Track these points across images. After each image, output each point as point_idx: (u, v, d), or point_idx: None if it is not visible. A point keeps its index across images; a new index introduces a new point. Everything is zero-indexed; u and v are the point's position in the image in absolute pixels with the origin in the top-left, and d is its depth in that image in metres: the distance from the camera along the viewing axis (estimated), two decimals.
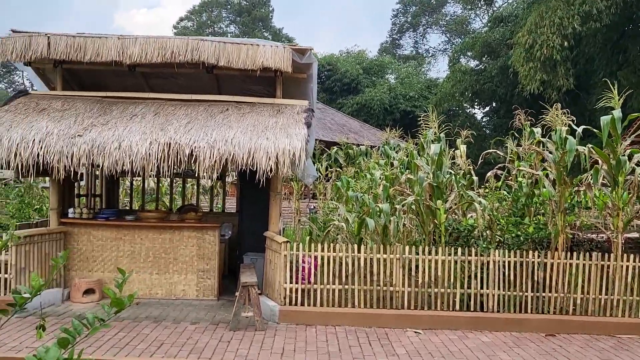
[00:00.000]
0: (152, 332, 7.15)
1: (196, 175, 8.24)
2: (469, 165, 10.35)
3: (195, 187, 12.75)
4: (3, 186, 21.94)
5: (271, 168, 7.43)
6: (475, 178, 9.61)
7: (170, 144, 7.51)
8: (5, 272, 8.02)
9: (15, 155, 7.42)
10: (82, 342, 6.25)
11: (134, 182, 15.71)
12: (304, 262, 8.17)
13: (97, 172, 10.65)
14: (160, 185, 13.22)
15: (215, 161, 7.41)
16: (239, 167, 7.50)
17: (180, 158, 7.50)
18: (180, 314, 8.07)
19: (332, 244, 8.04)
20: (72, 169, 7.49)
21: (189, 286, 8.94)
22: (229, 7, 64.15)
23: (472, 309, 7.84)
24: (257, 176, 7.42)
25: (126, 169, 7.44)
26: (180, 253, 8.92)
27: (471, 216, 9.33)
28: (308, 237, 10.17)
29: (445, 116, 17.12)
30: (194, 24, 61.74)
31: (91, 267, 8.86)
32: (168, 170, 7.56)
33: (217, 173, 7.53)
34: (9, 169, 7.60)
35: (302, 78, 8.96)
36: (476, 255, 7.90)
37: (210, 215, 11.88)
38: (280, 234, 8.69)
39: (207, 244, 8.95)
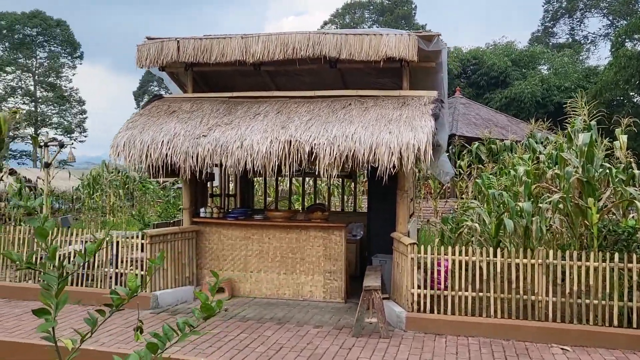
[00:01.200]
0: (274, 334, 6.98)
1: (316, 173, 7.94)
2: (630, 158, 8.97)
3: (328, 186, 12.58)
4: (162, 189, 23.71)
5: (394, 164, 6.91)
6: (637, 172, 8.27)
7: (290, 141, 7.30)
8: (142, 269, 8.36)
9: (147, 156, 7.68)
10: (203, 342, 6.13)
11: (268, 182, 16.00)
12: (437, 265, 7.55)
13: (230, 172, 10.85)
14: (298, 184, 13.29)
15: (335, 158, 7.06)
16: (360, 163, 7.08)
17: (300, 156, 7.26)
18: (305, 316, 7.84)
19: (464, 247, 7.31)
20: (197, 169, 7.58)
21: (315, 287, 8.71)
22: (371, 7, 64.23)
23: (634, 325, 6.67)
24: (378, 173, 6.95)
25: (248, 168, 7.37)
26: (307, 253, 8.72)
27: (633, 216, 8.04)
28: (437, 239, 9.47)
29: (607, 107, 15.28)
30: (338, 27, 62.69)
31: (221, 265, 8.98)
32: (289, 169, 7.36)
33: (337, 170, 7.17)
34: (141, 170, 7.88)
35: (431, 67, 8.31)
36: (638, 262, 6.71)
37: (340, 215, 11.62)
38: (412, 235, 8.13)
39: (333, 244, 8.66)
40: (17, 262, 2.31)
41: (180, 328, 2.05)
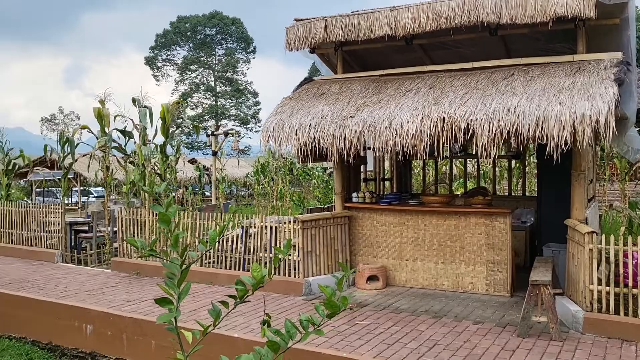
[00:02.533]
0: (428, 329, 6.42)
1: (472, 153, 7.15)
2: None
3: (493, 168, 11.55)
4: (328, 175, 24.06)
5: (566, 140, 5.92)
6: None
7: (443, 118, 6.63)
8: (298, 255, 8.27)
9: (295, 140, 7.51)
10: (352, 333, 5.74)
11: (427, 164, 15.23)
12: (624, 258, 6.42)
13: (384, 156, 10.39)
14: (460, 167, 12.45)
15: (494, 135, 6.26)
16: (525, 140, 6.19)
17: (455, 134, 6.56)
18: (464, 310, 7.16)
19: None
20: (344, 152, 7.24)
21: (477, 279, 7.95)
22: None
23: None
24: (548, 151, 6.01)
25: (397, 149, 6.85)
26: (467, 241, 7.98)
27: None
28: (623, 228, 8.09)
29: None
30: None
31: (375, 252, 8.59)
32: (442, 149, 6.71)
33: (496, 149, 6.35)
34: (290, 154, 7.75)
35: (613, 24, 7.05)
36: None
37: (507, 200, 10.60)
38: (592, 223, 7.01)
39: (497, 231, 7.81)
40: (141, 250, 2.09)
41: (304, 326, 1.96)
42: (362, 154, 8.85)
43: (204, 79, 63.88)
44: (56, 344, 7.04)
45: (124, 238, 9.47)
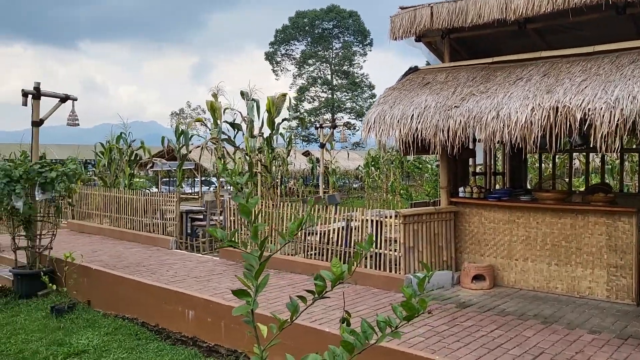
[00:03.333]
0: (535, 335, 5.94)
1: (590, 146, 6.50)
2: None
3: (621, 163, 10.54)
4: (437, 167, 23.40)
5: None
6: None
7: (556, 107, 6.08)
8: (398, 250, 8.05)
9: (397, 131, 7.28)
10: (451, 335, 5.47)
11: (545, 158, 14.23)
12: None
13: (496, 148, 9.82)
14: (582, 161, 11.47)
15: (615, 126, 5.63)
16: None
17: (569, 125, 6.00)
18: (578, 317, 6.56)
19: None
20: (448, 144, 6.89)
21: (596, 283, 7.26)
22: None
23: None
24: None
25: (504, 141, 6.40)
26: (585, 242, 7.31)
27: None
28: None
29: None
30: None
31: (482, 251, 8.14)
32: (555, 141, 6.16)
33: (618, 141, 5.72)
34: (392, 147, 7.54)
35: None
36: None
37: (637, 198, 9.60)
38: None
39: (620, 232, 7.07)
40: (221, 240, 2.10)
41: (381, 327, 1.90)
42: (470, 146, 8.43)
43: (321, 72, 64.78)
44: (162, 327, 7.38)
45: (231, 227, 9.76)
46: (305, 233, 9.34)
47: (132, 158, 13.32)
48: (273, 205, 9.53)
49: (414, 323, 6.24)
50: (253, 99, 10.42)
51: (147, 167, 14.44)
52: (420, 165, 18.77)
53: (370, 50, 65.43)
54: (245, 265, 2.46)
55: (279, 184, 19.29)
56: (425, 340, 5.75)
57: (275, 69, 65.82)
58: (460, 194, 8.41)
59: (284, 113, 10.63)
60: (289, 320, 2.37)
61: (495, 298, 7.42)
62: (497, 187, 10.25)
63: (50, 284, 7.90)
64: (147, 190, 14.67)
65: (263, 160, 10.87)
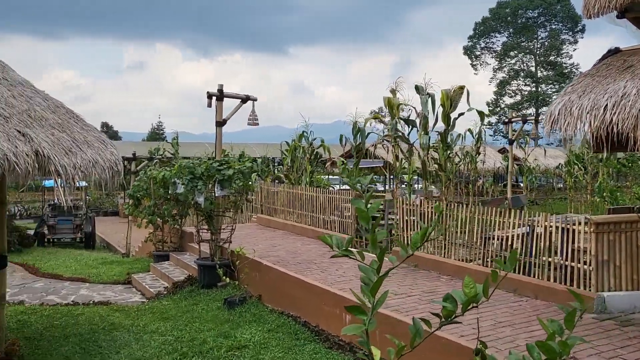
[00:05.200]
0: None
1: None
2: None
3: None
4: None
5: None
6: None
7: None
8: (588, 263, 6.89)
9: (584, 124, 6.18)
10: None
11: None
12: None
13: None
14: None
15: None
16: None
17: None
18: None
19: None
20: None
21: None
22: None
23: None
24: None
25: None
26: None
27: None
28: None
29: None
30: None
31: None
32: None
33: None
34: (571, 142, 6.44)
35: None
36: None
37: None
38: None
39: None
40: (335, 248, 1.99)
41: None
42: None
43: (524, 64, 60.82)
44: (322, 328, 7.23)
45: (403, 227, 9.31)
46: (484, 239, 8.53)
47: (313, 157, 13.60)
48: (446, 205, 8.86)
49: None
50: (428, 94, 9.83)
51: (326, 165, 14.62)
52: (627, 164, 16.18)
53: (582, 38, 59.61)
54: (362, 278, 2.10)
55: (463, 183, 18.28)
56: None
57: (474, 63, 63.41)
58: None
59: (462, 107, 9.88)
60: (408, 346, 2.00)
61: None
62: None
63: (225, 277, 8.25)
64: (331, 188, 14.86)
65: (437, 158, 10.23)
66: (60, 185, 6.06)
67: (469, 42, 63.49)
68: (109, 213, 28.74)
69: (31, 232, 17.44)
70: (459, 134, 17.19)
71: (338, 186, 24.54)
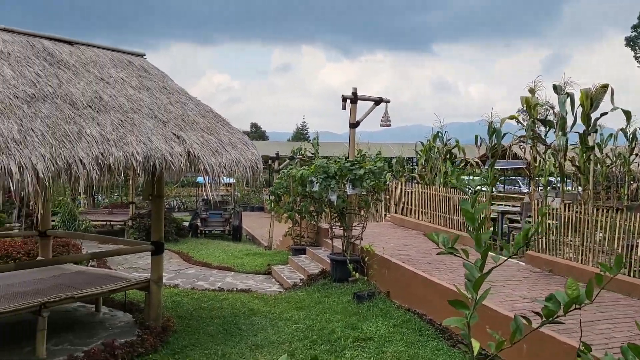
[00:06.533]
0: None
1: None
2: None
3: None
4: None
5: None
6: None
7: None
8: None
9: None
10: None
11: None
12: None
13: None
14: None
15: None
16: None
17: None
18: None
19: None
20: None
21: None
22: None
23: None
24: None
25: None
26: None
27: None
28: None
29: None
30: None
31: None
32: None
33: None
34: None
35: None
36: None
37: None
38: None
39: None
40: (441, 246, 2.18)
41: None
42: None
43: None
44: (446, 327, 7.32)
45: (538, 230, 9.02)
46: (628, 246, 8.05)
47: (448, 157, 13.51)
48: (581, 210, 8.46)
49: None
50: (567, 93, 9.38)
51: (461, 166, 14.42)
52: None
53: None
54: (466, 275, 2.28)
55: (615, 186, 16.97)
56: None
57: (637, 55, 57.96)
58: None
59: (606, 107, 9.23)
60: (507, 341, 2.13)
61: None
62: None
63: (354, 272, 8.63)
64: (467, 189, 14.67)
65: (575, 160, 9.71)
66: (208, 181, 6.80)
67: (632, 32, 58.18)
68: (255, 208, 30.67)
69: (186, 224, 19.21)
70: (610, 134, 16.05)
71: (476, 187, 23.96)
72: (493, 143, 11.31)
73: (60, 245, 10.94)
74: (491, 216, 12.10)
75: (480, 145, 12.55)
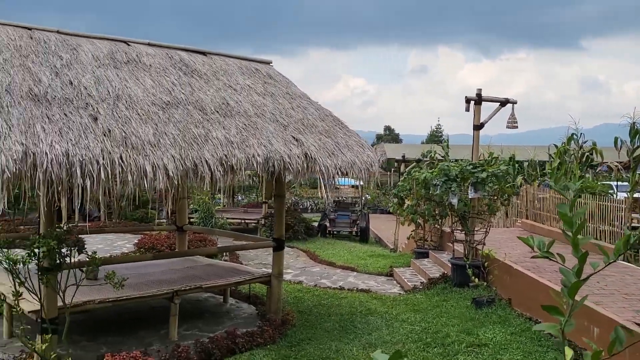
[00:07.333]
0: None
1: None
2: None
3: None
4: None
5: None
6: None
7: None
8: None
9: None
10: None
11: None
12: None
13: None
14: None
15: None
16: None
17: None
18: None
19: None
20: None
21: None
22: None
23: None
24: None
25: None
26: None
27: None
28: None
29: None
30: None
31: None
32: None
33: None
34: None
35: None
36: None
37: None
38: None
39: None
40: (536, 249, 2.22)
41: None
42: None
43: None
44: (570, 339, 6.92)
45: None
46: None
47: (584, 159, 12.63)
48: None
49: None
50: None
51: (597, 170, 13.39)
52: None
53: None
54: (563, 281, 2.27)
55: None
56: None
57: None
58: None
59: None
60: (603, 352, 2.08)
61: None
62: None
63: (474, 277, 8.45)
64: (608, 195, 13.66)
65: None
66: (324, 182, 7.07)
67: None
68: (385, 211, 30.73)
69: (315, 224, 19.82)
70: None
71: (625, 194, 22.08)
72: (635, 145, 10.45)
73: (198, 240, 11.92)
74: (633, 224, 11.18)
75: (620, 148, 11.63)
